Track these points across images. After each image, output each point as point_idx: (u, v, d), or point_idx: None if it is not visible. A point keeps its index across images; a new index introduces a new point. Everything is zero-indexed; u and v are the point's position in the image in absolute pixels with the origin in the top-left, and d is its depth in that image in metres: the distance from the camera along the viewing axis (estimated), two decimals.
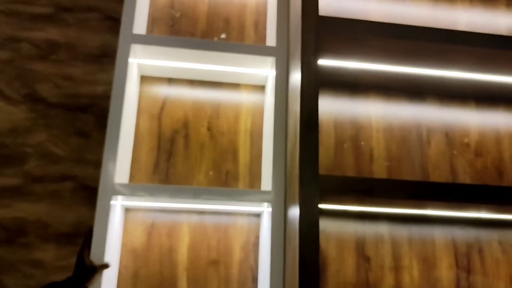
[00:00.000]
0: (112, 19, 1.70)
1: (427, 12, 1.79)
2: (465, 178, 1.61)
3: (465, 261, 1.54)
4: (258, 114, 1.64)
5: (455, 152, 1.64)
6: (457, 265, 1.53)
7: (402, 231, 1.54)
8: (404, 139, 1.63)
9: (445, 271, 1.52)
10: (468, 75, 1.58)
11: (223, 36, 1.71)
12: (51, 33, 1.67)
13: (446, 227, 1.56)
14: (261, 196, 1.38)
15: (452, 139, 1.65)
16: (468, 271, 1.53)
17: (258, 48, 1.53)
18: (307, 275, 1.13)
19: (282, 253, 1.33)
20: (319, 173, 1.22)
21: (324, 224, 1.51)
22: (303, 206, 1.18)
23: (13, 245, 1.46)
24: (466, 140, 1.66)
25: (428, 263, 1.52)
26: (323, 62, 1.48)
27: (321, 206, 1.34)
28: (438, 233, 1.55)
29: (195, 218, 1.53)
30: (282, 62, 1.50)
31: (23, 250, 1.46)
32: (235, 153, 1.60)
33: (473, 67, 1.53)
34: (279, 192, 1.37)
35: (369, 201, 1.30)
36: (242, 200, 1.37)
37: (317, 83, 1.28)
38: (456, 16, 1.80)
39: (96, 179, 1.40)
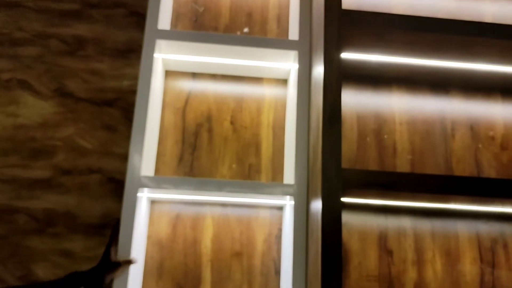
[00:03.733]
0: (137, 14, 1.73)
1: (452, 3, 1.77)
2: (490, 172, 1.60)
3: (490, 256, 1.53)
4: (280, 108, 1.66)
5: (480, 145, 1.62)
6: (481, 259, 1.52)
7: (425, 225, 1.53)
8: (427, 133, 1.62)
9: (469, 266, 1.51)
10: (494, 68, 1.56)
11: (245, 30, 1.72)
12: (79, 29, 1.71)
13: (470, 221, 1.55)
14: (283, 189, 1.40)
15: (477, 132, 1.64)
16: (493, 265, 1.52)
17: (280, 42, 1.54)
18: (330, 268, 1.14)
19: (305, 246, 1.34)
20: (342, 167, 1.22)
21: (347, 217, 1.52)
22: (325, 199, 1.19)
23: (43, 235, 1.51)
24: (491, 133, 1.64)
25: (451, 257, 1.51)
26: (345, 55, 1.48)
27: (343, 199, 1.35)
28: (462, 227, 1.54)
29: (218, 211, 1.55)
30: (304, 56, 1.50)
31: (52, 240, 1.51)
32: (257, 146, 1.62)
33: (499, 59, 1.51)
34: (301, 186, 1.39)
35: (392, 195, 1.30)
36: (264, 193, 1.38)
37: (339, 76, 1.28)
38: (481, 7, 1.77)
39: (123, 172, 1.43)
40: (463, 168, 1.59)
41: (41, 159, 1.59)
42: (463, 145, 1.62)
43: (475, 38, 1.41)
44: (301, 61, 1.50)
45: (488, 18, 1.75)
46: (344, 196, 1.27)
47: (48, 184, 1.57)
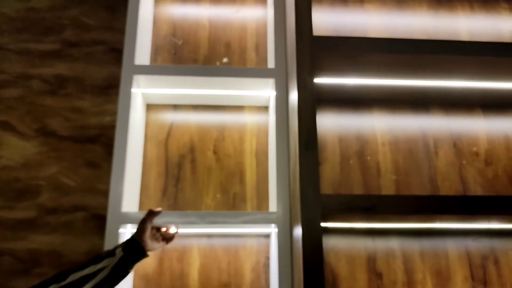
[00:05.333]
0: (116, 50, 1.75)
1: (428, 21, 1.79)
2: (476, 188, 1.59)
3: (481, 273, 1.50)
4: (263, 134, 1.66)
5: (464, 162, 1.62)
6: (472, 277, 1.50)
7: (414, 245, 1.52)
8: (411, 152, 1.62)
9: (461, 284, 1.49)
10: (472, 84, 1.57)
11: (225, 60, 1.74)
12: (60, 68, 1.74)
13: (459, 238, 1.53)
14: (266, 217, 1.39)
15: (460, 148, 1.63)
16: (485, 283, 1.49)
17: (257, 71, 1.56)
18: None
19: (290, 273, 1.32)
20: (322, 191, 1.22)
21: (334, 242, 1.51)
22: (305, 225, 1.18)
23: (29, 276, 1.50)
24: (475, 149, 1.64)
25: (442, 276, 1.49)
26: (321, 80, 1.49)
27: (324, 225, 1.34)
28: (451, 245, 1.52)
29: (204, 242, 1.54)
30: (281, 83, 1.51)
31: (38, 280, 1.49)
32: (242, 174, 1.61)
33: (476, 76, 1.52)
34: (284, 213, 1.38)
35: (374, 218, 1.29)
36: (247, 222, 1.37)
37: (314, 101, 1.29)
38: (457, 23, 1.79)
39: (107, 208, 1.43)
40: (448, 186, 1.58)
41: (26, 200, 1.58)
42: (447, 162, 1.61)
43: (450, 57, 1.43)
44: (278, 88, 1.51)
45: (464, 34, 1.77)
46: (324, 221, 1.26)
47: (33, 224, 1.57)
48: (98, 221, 1.57)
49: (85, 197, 1.60)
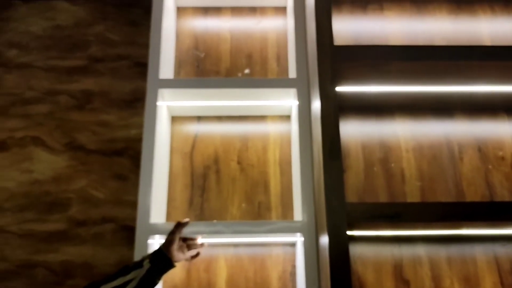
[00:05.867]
0: (141, 64, 1.79)
1: (448, 26, 1.78)
2: (503, 192, 1.57)
3: (510, 279, 1.48)
4: (286, 143, 1.68)
5: (490, 166, 1.60)
6: (501, 283, 1.48)
7: (441, 252, 1.51)
8: (435, 158, 1.61)
9: None
10: (496, 88, 1.56)
11: (246, 71, 1.76)
12: (86, 83, 1.79)
13: (487, 244, 1.51)
14: (292, 226, 1.40)
15: (485, 153, 1.62)
16: None
17: (279, 81, 1.58)
18: None
19: (317, 281, 1.33)
20: (347, 199, 1.23)
21: (360, 249, 1.51)
22: (331, 234, 1.19)
23: None
24: (500, 153, 1.62)
25: (470, 283, 1.48)
26: (342, 89, 1.50)
27: (352, 232, 1.35)
28: (479, 251, 1.51)
29: (231, 251, 1.56)
30: (303, 92, 1.53)
31: None
32: (266, 184, 1.63)
33: (500, 80, 1.51)
34: (309, 221, 1.39)
35: (399, 226, 1.29)
36: (273, 232, 1.39)
37: (336, 111, 1.31)
38: (478, 27, 1.78)
39: (135, 220, 1.46)
40: (474, 191, 1.57)
41: (56, 212, 1.63)
42: (472, 167, 1.60)
43: (473, 62, 1.43)
44: (300, 97, 1.53)
45: (486, 38, 1.76)
46: (350, 229, 1.26)
47: (64, 236, 1.61)
48: (127, 232, 1.61)
49: (113, 209, 1.64)
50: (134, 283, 1.16)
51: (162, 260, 1.20)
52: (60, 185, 1.66)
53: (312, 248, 1.37)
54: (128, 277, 1.16)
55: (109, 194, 1.66)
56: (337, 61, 1.37)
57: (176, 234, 1.24)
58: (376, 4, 1.81)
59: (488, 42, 1.76)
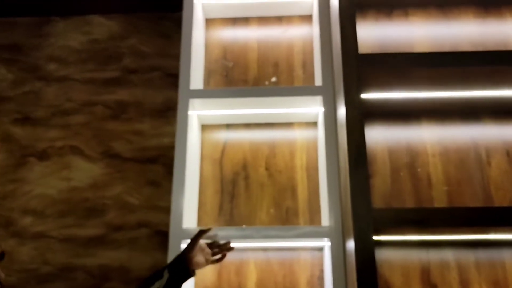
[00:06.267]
0: (172, 75, 1.87)
1: (475, 30, 1.78)
2: None
3: None
4: (313, 150, 1.71)
5: None
6: None
7: (469, 256, 1.51)
8: (462, 162, 1.62)
9: None
10: None
11: (273, 79, 1.81)
12: (121, 94, 1.87)
13: None
14: (319, 231, 1.44)
15: None
16: None
17: (305, 89, 1.63)
18: None
19: (344, 286, 1.36)
20: (374, 204, 1.26)
21: (387, 254, 1.53)
22: (358, 239, 1.23)
23: None
24: None
25: (499, 287, 1.48)
26: (368, 95, 1.53)
27: (378, 237, 1.37)
28: (508, 256, 1.51)
29: (260, 256, 1.60)
30: (329, 99, 1.56)
31: None
32: (293, 189, 1.67)
33: None
34: (336, 227, 1.42)
35: (426, 231, 1.31)
36: (300, 237, 1.43)
37: (362, 118, 1.34)
38: (506, 30, 1.77)
39: (168, 225, 1.53)
40: (503, 195, 1.57)
41: (94, 218, 1.72)
42: (501, 171, 1.60)
43: (500, 67, 1.43)
44: (326, 104, 1.56)
45: None
46: (376, 234, 1.29)
47: (102, 241, 1.70)
48: (161, 237, 1.68)
49: (148, 214, 1.72)
50: None
51: (180, 270, 1.24)
52: (97, 192, 1.75)
53: (339, 253, 1.40)
54: None
55: (143, 200, 1.74)
56: (362, 69, 1.40)
57: (196, 241, 1.28)
58: (401, 10, 1.82)
59: None
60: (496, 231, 1.33)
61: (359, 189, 1.27)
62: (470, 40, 1.77)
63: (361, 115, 1.34)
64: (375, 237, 1.23)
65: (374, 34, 1.79)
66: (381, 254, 1.52)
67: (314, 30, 1.83)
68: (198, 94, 1.62)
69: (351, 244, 1.28)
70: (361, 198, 1.26)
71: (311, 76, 1.81)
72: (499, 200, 1.57)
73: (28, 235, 1.71)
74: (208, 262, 1.31)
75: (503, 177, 1.60)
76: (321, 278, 1.57)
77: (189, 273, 1.26)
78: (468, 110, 1.66)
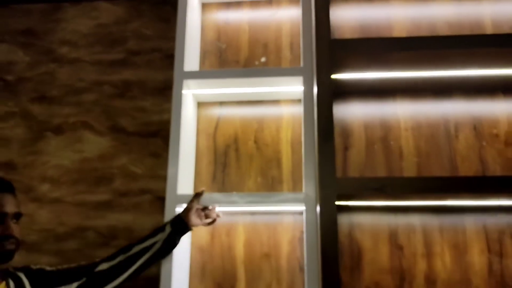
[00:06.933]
0: (171, 56, 2.03)
1: (451, 11, 1.89)
2: (495, 167, 1.71)
3: (497, 246, 1.64)
4: (297, 125, 1.88)
5: (484, 143, 1.74)
6: (489, 250, 1.64)
7: (433, 221, 1.68)
8: (432, 136, 1.77)
9: (477, 257, 1.63)
10: (494, 71, 1.66)
11: (263, 59, 1.97)
12: (126, 74, 2.06)
13: (477, 215, 1.67)
14: (296, 198, 1.62)
15: (480, 131, 1.75)
16: (501, 255, 1.63)
17: (288, 70, 1.78)
18: (328, 266, 1.35)
19: (316, 245, 1.55)
20: (350, 174, 1.44)
21: (359, 219, 1.71)
22: (322, 205, 1.41)
23: (108, 247, 1.85)
24: (495, 131, 1.75)
25: (459, 249, 1.65)
26: (342, 76, 1.67)
27: (342, 203, 1.55)
28: (469, 221, 1.67)
29: (248, 219, 1.80)
30: (309, 80, 1.71)
31: (115, 250, 1.84)
32: (279, 160, 1.85)
33: (499, 64, 1.61)
34: (311, 194, 1.60)
35: (383, 197, 1.48)
36: (280, 202, 1.61)
37: (331, 98, 1.50)
38: (480, 10, 1.87)
39: None
40: (468, 166, 1.72)
41: (103, 185, 1.94)
42: (467, 144, 1.74)
43: (474, 50, 1.54)
44: (306, 84, 1.71)
45: (487, 21, 1.86)
46: (340, 200, 1.46)
47: (110, 205, 1.92)
48: (161, 202, 1.89)
49: (149, 182, 1.93)
50: (159, 244, 1.45)
51: (180, 225, 1.47)
52: (105, 162, 1.97)
53: (313, 216, 1.58)
54: (155, 239, 1.46)
55: (146, 169, 1.95)
56: (335, 52, 1.55)
57: (193, 203, 1.51)
58: None
59: (489, 25, 1.86)
60: (439, 198, 1.48)
61: (326, 160, 1.44)
62: (447, 21, 1.89)
63: (331, 95, 1.50)
64: (338, 203, 1.41)
65: (355, 15, 1.92)
66: (353, 219, 1.71)
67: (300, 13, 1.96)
68: (192, 75, 1.79)
69: (318, 209, 1.46)
70: (326, 168, 1.43)
71: (297, 56, 1.96)
72: (465, 170, 1.72)
73: (46, 200, 1.95)
74: (202, 222, 1.55)
75: (469, 150, 1.74)
76: (301, 239, 1.76)
77: (188, 228, 1.49)
78: (441, 88, 1.79)
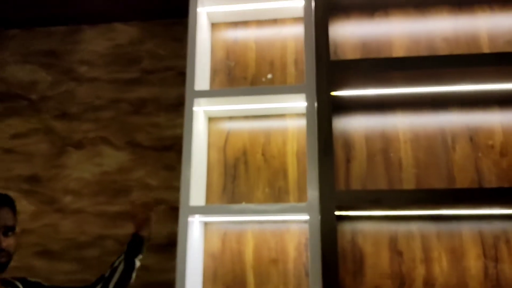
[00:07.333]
0: (183, 74, 2.16)
1: (449, 26, 1.98)
2: (490, 178, 1.79)
3: (493, 251, 1.72)
4: (302, 137, 1.99)
5: (480, 154, 1.82)
6: (484, 255, 1.72)
7: (431, 228, 1.77)
8: (430, 147, 1.86)
9: (473, 261, 1.72)
10: (490, 86, 1.74)
11: (269, 76, 2.08)
12: (141, 92, 2.20)
13: (474, 222, 1.76)
14: (299, 207, 1.73)
15: (476, 142, 1.84)
16: (496, 260, 1.71)
17: (292, 88, 1.88)
18: (329, 271, 1.46)
19: (319, 251, 1.66)
20: (351, 186, 1.55)
21: (361, 226, 1.81)
22: (322, 215, 1.52)
23: None
24: (490, 142, 1.83)
25: (456, 254, 1.74)
26: (342, 93, 1.78)
27: (341, 213, 1.65)
28: (466, 228, 1.76)
29: (257, 227, 1.92)
30: (311, 96, 1.82)
31: None
32: (285, 172, 1.96)
33: (495, 80, 1.69)
34: (314, 203, 1.70)
35: (379, 209, 1.58)
36: (284, 212, 1.72)
37: (330, 114, 1.61)
38: (477, 25, 1.97)
39: None
40: (464, 176, 1.81)
41: (121, 197, 2.08)
42: (464, 155, 1.83)
43: (471, 68, 1.63)
44: (308, 100, 1.82)
45: (483, 35, 1.94)
46: (339, 210, 1.57)
47: (128, 215, 2.05)
48: (175, 211, 2.01)
49: (164, 193, 2.06)
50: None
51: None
52: (123, 175, 2.10)
53: (315, 225, 1.69)
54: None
55: (160, 181, 2.08)
56: (334, 73, 1.65)
57: None
58: (382, 11, 2.04)
59: (485, 39, 1.95)
60: (432, 208, 1.57)
61: (325, 173, 1.55)
62: (444, 37, 1.98)
63: (330, 111, 1.61)
64: (337, 213, 1.51)
65: (356, 31, 2.03)
66: (356, 227, 1.81)
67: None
68: (202, 94, 1.91)
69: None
70: (326, 181, 1.54)
71: (302, 72, 2.07)
72: (461, 180, 1.81)
73: (68, 211, 2.10)
74: None
75: (465, 160, 1.83)
76: (306, 246, 1.87)
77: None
78: (438, 101, 1.88)
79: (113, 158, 2.13)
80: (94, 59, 2.29)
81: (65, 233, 2.06)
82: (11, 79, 2.32)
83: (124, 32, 2.30)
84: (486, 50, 1.94)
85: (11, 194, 1.47)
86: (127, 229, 2.03)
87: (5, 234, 1.37)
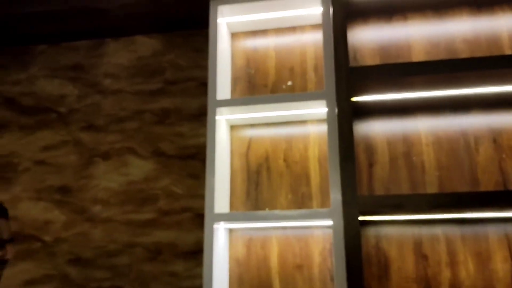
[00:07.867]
0: (205, 84, 2.22)
1: (468, 27, 1.98)
2: None
3: None
4: (323, 143, 2.01)
5: (504, 156, 1.81)
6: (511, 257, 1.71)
7: (456, 231, 1.77)
8: (453, 150, 1.86)
9: (500, 264, 1.71)
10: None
11: (289, 83, 2.11)
12: (164, 102, 2.25)
13: (499, 225, 1.75)
14: (322, 213, 1.75)
15: (500, 144, 1.83)
16: None
17: (312, 95, 1.91)
18: (353, 276, 1.48)
19: (343, 256, 1.68)
20: (374, 190, 1.56)
21: (386, 230, 1.82)
22: (346, 221, 1.53)
23: (155, 262, 2.04)
24: None
25: (482, 257, 1.73)
26: (361, 98, 1.79)
27: (364, 218, 1.66)
28: (491, 231, 1.75)
29: (281, 233, 1.95)
30: (331, 102, 1.85)
31: (161, 265, 2.03)
32: (307, 177, 1.99)
33: None
34: (337, 209, 1.72)
35: (401, 214, 1.59)
36: (307, 218, 1.75)
37: (350, 120, 1.62)
38: (497, 26, 1.95)
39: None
40: (488, 179, 1.80)
41: (148, 205, 2.13)
42: (487, 157, 1.82)
43: (492, 71, 1.62)
44: (329, 106, 1.84)
45: (505, 35, 1.93)
46: (362, 216, 1.58)
47: (154, 223, 2.11)
48: (201, 219, 2.06)
49: (190, 201, 2.10)
50: None
51: None
52: (149, 184, 2.15)
53: (339, 230, 1.71)
54: None
55: (186, 189, 2.12)
56: (353, 79, 1.67)
57: None
58: (400, 15, 2.05)
59: (506, 39, 1.94)
60: (455, 212, 1.57)
61: (347, 178, 1.57)
62: (464, 38, 1.98)
63: (351, 116, 1.62)
64: (361, 218, 1.53)
65: (374, 36, 2.04)
66: (380, 231, 1.82)
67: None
68: (224, 103, 1.95)
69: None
70: (349, 186, 1.56)
71: (322, 78, 2.09)
72: (485, 183, 1.80)
73: (98, 220, 2.16)
74: None
75: (488, 162, 1.82)
76: (331, 251, 1.89)
77: None
78: (459, 104, 1.88)
79: (139, 168, 2.19)
80: (118, 71, 2.35)
81: (96, 241, 2.13)
82: (41, 93, 2.41)
83: (145, 44, 2.36)
84: (508, 51, 1.92)
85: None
86: (154, 237, 2.09)
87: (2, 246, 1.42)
